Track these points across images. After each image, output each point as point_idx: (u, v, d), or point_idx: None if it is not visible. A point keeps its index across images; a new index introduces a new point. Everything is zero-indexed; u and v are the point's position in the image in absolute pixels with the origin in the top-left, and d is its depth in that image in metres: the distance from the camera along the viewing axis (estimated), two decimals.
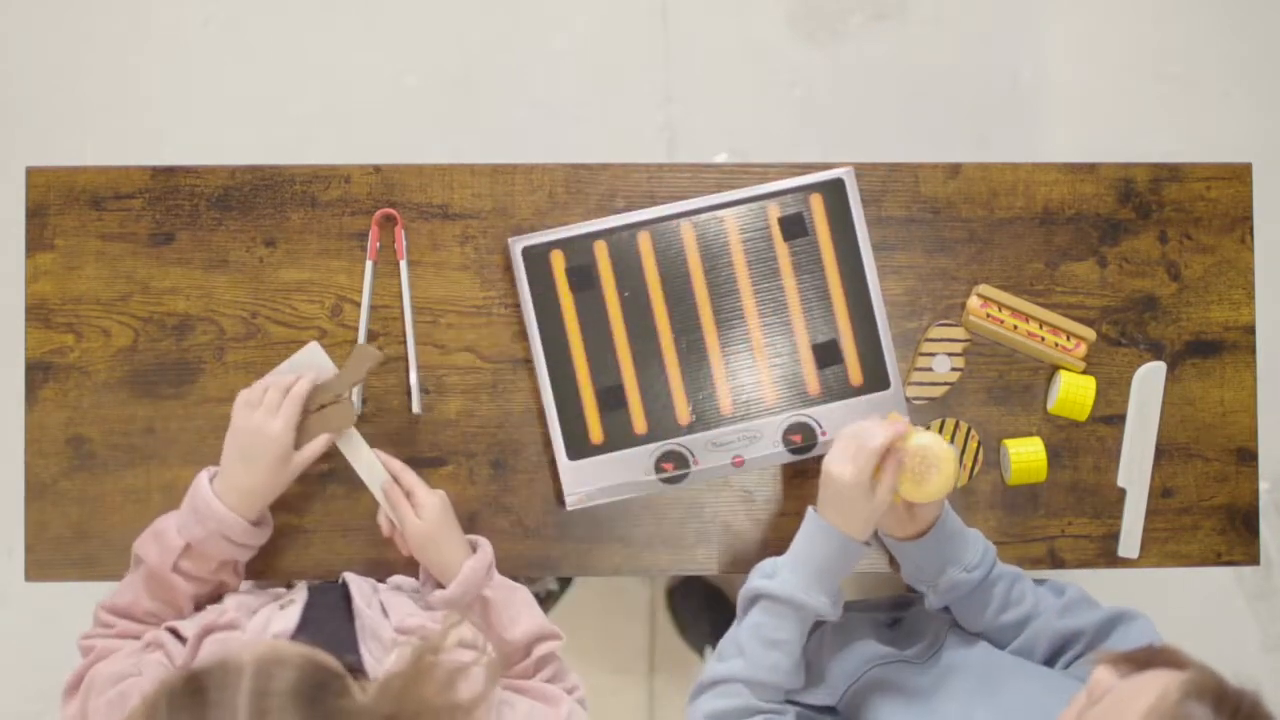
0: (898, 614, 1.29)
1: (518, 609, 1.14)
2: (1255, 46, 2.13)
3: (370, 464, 1.18)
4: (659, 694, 2.02)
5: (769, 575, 1.10)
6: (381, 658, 1.03)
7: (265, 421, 1.10)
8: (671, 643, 2.02)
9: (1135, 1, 2.14)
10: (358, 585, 1.15)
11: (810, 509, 1.12)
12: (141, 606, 1.12)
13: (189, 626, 1.06)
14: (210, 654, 0.98)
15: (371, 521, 1.27)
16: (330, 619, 1.10)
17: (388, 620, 1.09)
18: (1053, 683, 1.05)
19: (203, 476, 1.12)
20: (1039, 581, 1.18)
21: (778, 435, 1.26)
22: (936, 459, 1.07)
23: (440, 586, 1.15)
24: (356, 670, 0.98)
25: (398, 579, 1.23)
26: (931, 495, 1.08)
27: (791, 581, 1.08)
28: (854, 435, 1.09)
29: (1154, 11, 2.14)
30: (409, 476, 1.18)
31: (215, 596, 1.15)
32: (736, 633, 1.11)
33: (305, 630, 1.05)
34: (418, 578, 1.20)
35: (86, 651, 1.10)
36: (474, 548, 1.17)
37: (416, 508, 1.15)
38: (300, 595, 1.13)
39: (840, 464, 1.08)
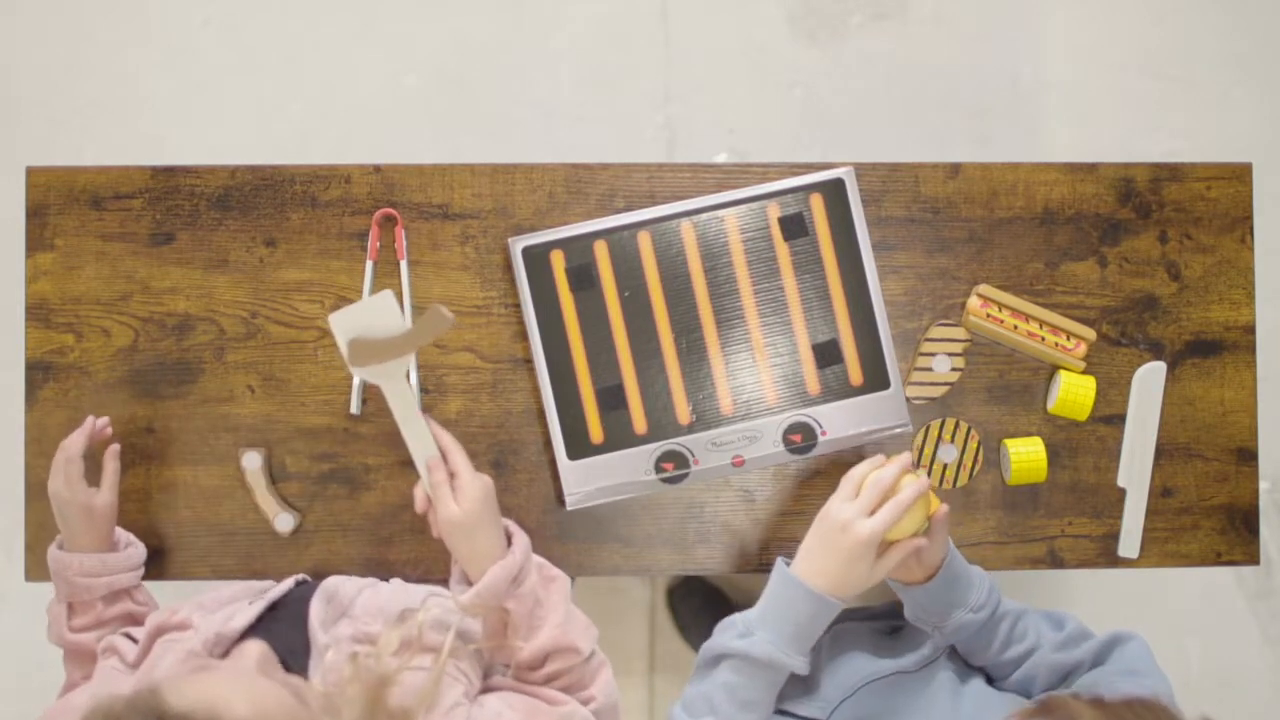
0: (897, 623, 1.27)
1: (541, 618, 1.06)
2: (1255, 46, 2.13)
3: (421, 433, 1.06)
4: (659, 694, 2.02)
5: (744, 635, 1.04)
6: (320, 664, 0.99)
7: (51, 486, 1.15)
8: (671, 643, 2.02)
9: (1135, 1, 2.14)
10: (321, 603, 1.06)
11: (781, 562, 1.07)
12: (90, 650, 1.15)
13: (140, 630, 1.05)
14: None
15: (372, 521, 1.27)
16: (290, 618, 1.05)
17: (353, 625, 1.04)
18: None
19: (51, 547, 1.17)
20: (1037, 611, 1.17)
21: (778, 435, 1.26)
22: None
23: (470, 584, 1.07)
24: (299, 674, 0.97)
25: (424, 586, 1.17)
26: (902, 533, 1.04)
27: (768, 641, 1.03)
28: (874, 483, 1.03)
29: (1154, 11, 2.14)
30: (458, 457, 1.06)
31: (139, 623, 1.15)
32: (707, 690, 1.04)
33: (264, 628, 1.02)
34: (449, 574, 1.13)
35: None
36: (509, 538, 1.07)
37: (456, 492, 1.04)
38: (274, 591, 1.08)
39: (858, 516, 1.01)
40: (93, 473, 1.17)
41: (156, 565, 1.26)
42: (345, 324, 1.04)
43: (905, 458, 1.06)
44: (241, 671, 0.84)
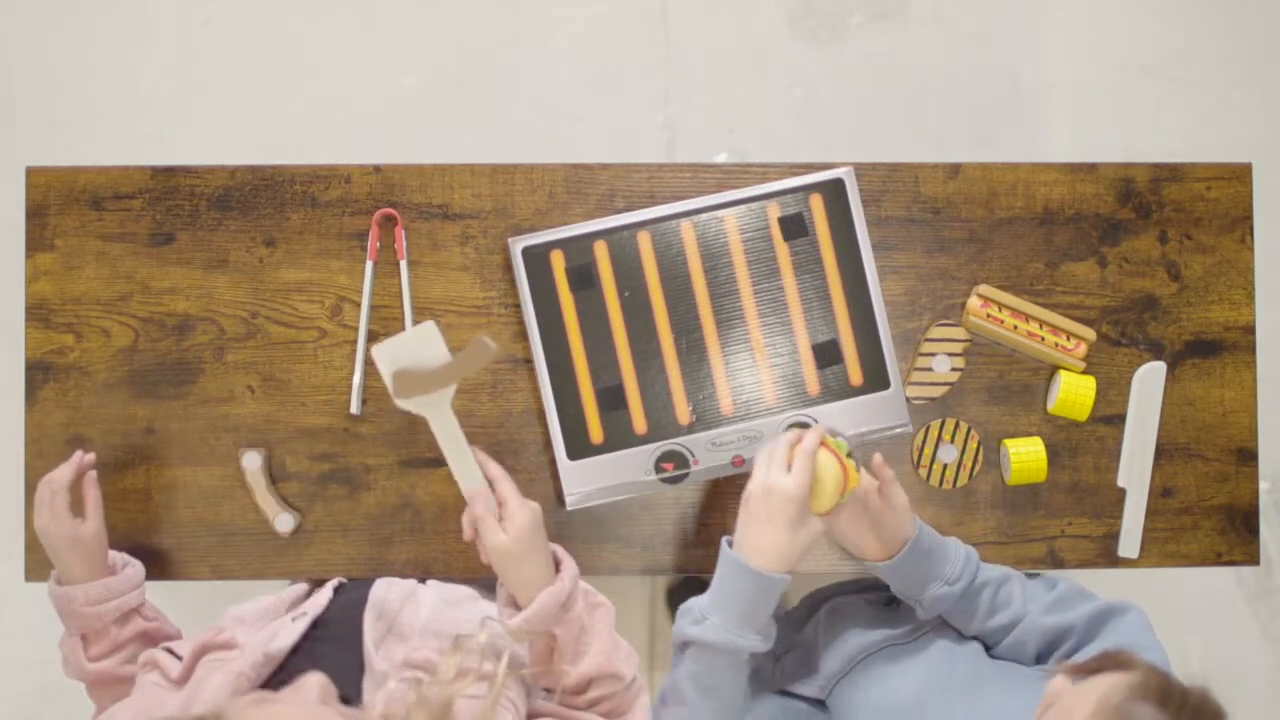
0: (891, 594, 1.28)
1: (587, 644, 1.05)
2: (1255, 46, 2.13)
3: (468, 464, 1.05)
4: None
5: (697, 621, 1.05)
6: (374, 692, 0.98)
7: (38, 523, 1.15)
8: (671, 643, 2.02)
9: (1135, 1, 2.14)
10: (381, 607, 1.08)
11: (724, 542, 1.07)
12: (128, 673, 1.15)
13: (184, 645, 1.05)
14: None
15: (371, 521, 1.27)
16: (340, 638, 1.06)
17: (404, 649, 1.05)
18: (1032, 697, 1.04)
19: (50, 584, 1.17)
20: (1032, 575, 1.17)
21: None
22: (819, 471, 1.04)
23: (517, 607, 1.06)
24: (354, 703, 0.97)
25: (457, 590, 1.18)
26: (820, 506, 1.05)
27: (719, 625, 1.03)
28: (785, 444, 1.05)
29: (1154, 12, 2.14)
30: (505, 486, 1.05)
31: (156, 638, 1.17)
32: (676, 679, 1.07)
33: (310, 647, 1.03)
34: (494, 590, 1.12)
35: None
36: (558, 564, 1.06)
37: (505, 520, 1.03)
38: (314, 605, 1.09)
39: (779, 475, 1.03)
40: (75, 504, 1.17)
41: (157, 566, 1.26)
42: (389, 355, 1.04)
43: (819, 426, 1.07)
44: (303, 703, 0.85)
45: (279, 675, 0.99)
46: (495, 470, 1.06)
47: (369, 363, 1.26)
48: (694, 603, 1.07)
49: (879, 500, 1.09)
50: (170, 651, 1.05)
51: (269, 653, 0.99)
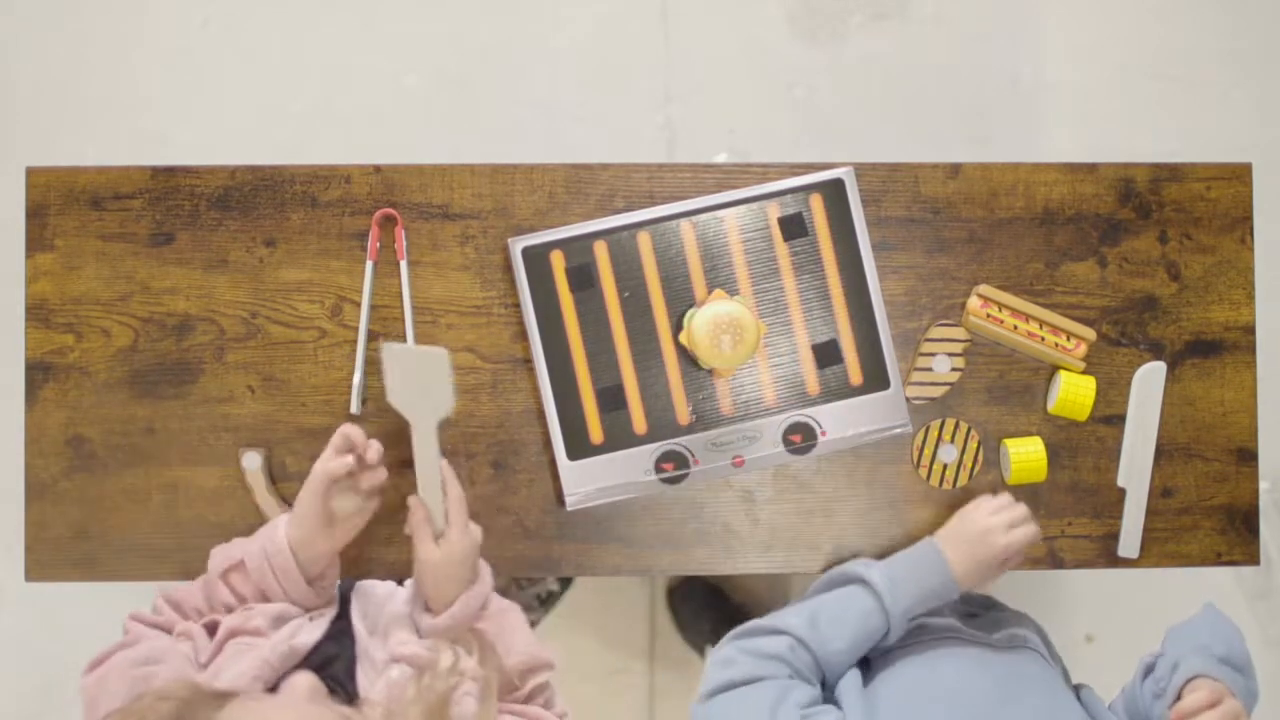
0: (975, 610, 1.32)
1: (510, 638, 1.10)
2: (1255, 46, 2.13)
3: (432, 477, 1.09)
4: (659, 693, 2.02)
5: (868, 567, 1.16)
6: (375, 680, 1.02)
7: (331, 465, 1.09)
8: (671, 643, 2.02)
9: (1135, 1, 2.14)
10: (360, 609, 1.11)
11: (931, 539, 1.20)
12: (192, 603, 1.12)
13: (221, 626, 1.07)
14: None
15: (371, 521, 1.27)
16: (344, 634, 1.09)
17: (385, 643, 1.08)
18: None
19: (282, 517, 1.12)
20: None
21: (778, 435, 1.26)
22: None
23: (428, 609, 1.10)
24: (350, 695, 0.99)
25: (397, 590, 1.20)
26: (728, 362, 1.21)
27: (890, 588, 1.14)
28: (1017, 508, 1.21)
29: (1154, 11, 2.14)
30: (456, 510, 1.10)
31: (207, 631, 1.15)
32: (811, 602, 1.17)
33: (326, 646, 1.06)
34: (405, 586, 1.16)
35: (126, 631, 1.10)
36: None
37: (443, 539, 1.08)
38: (331, 606, 1.11)
39: (1004, 529, 1.18)
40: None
41: (156, 566, 1.26)
42: (396, 357, 1.10)
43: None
44: (292, 703, 0.87)
45: (300, 668, 1.02)
46: (455, 491, 1.11)
47: (369, 362, 1.26)
48: (869, 561, 1.20)
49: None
50: (208, 628, 1.07)
51: (294, 646, 1.02)
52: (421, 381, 1.09)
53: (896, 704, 1.07)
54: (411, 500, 1.10)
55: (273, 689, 0.99)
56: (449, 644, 1.01)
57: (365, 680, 1.04)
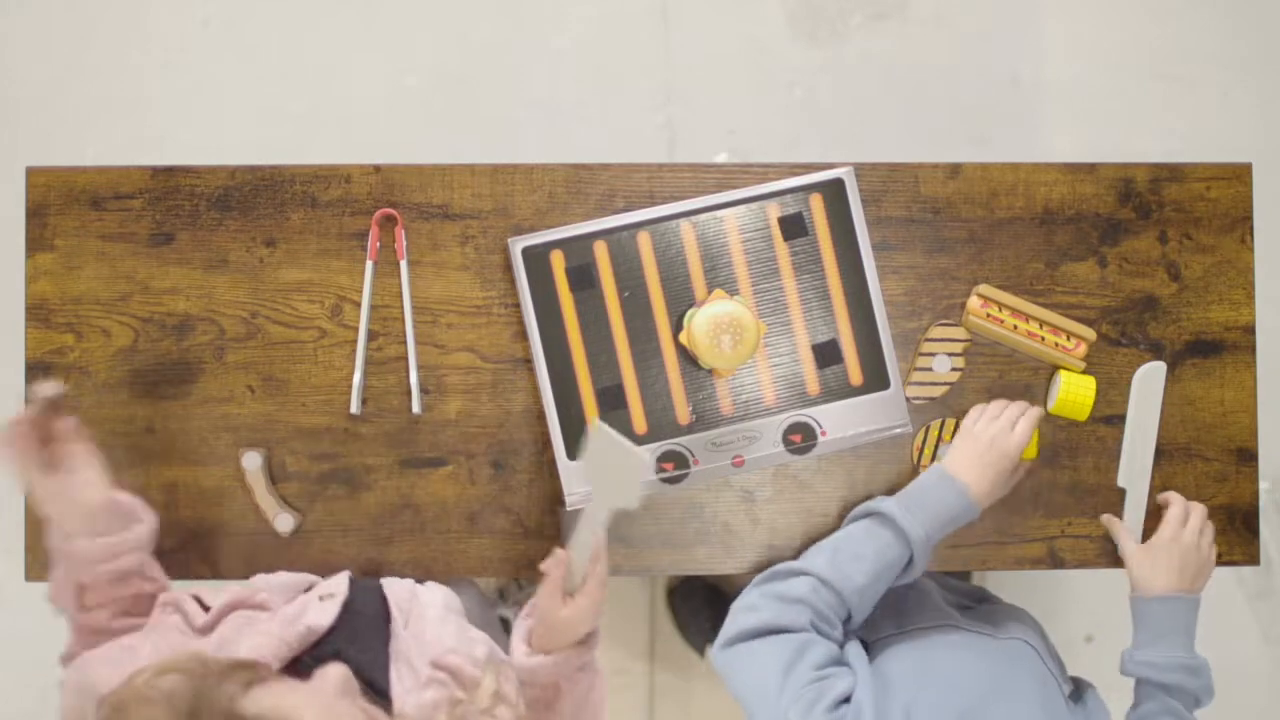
0: (969, 603, 1.32)
1: (579, 708, 1.10)
2: (1255, 46, 2.13)
3: (586, 539, 1.08)
4: (659, 693, 2.02)
5: (882, 501, 1.18)
6: (412, 688, 0.99)
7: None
8: (671, 642, 2.02)
9: (1135, 1, 2.14)
10: (396, 598, 1.09)
11: (937, 465, 1.20)
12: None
13: (211, 596, 1.05)
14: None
15: (371, 521, 1.27)
16: (367, 628, 1.05)
17: (425, 645, 1.05)
18: None
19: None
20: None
21: (778, 435, 1.26)
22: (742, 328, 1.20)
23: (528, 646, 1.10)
24: (380, 694, 0.97)
25: (452, 596, 1.17)
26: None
27: (903, 515, 1.15)
28: (1018, 406, 1.22)
29: (1154, 11, 2.14)
30: (595, 578, 1.09)
31: (151, 598, 1.11)
32: (831, 539, 1.19)
33: (340, 631, 1.02)
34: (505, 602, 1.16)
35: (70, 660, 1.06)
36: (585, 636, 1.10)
37: (572, 599, 1.08)
38: (340, 589, 1.08)
39: (1004, 431, 1.19)
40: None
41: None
42: (604, 438, 1.05)
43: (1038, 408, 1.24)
44: (322, 693, 0.85)
45: (312, 652, 0.99)
46: (602, 568, 1.09)
47: (369, 362, 1.26)
48: (883, 498, 1.20)
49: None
50: (198, 601, 1.05)
51: (311, 626, 1.00)
52: (617, 471, 1.06)
53: (901, 672, 1.08)
54: (560, 553, 1.08)
55: (286, 668, 0.97)
56: (495, 667, 1.00)
57: (397, 679, 1.01)
